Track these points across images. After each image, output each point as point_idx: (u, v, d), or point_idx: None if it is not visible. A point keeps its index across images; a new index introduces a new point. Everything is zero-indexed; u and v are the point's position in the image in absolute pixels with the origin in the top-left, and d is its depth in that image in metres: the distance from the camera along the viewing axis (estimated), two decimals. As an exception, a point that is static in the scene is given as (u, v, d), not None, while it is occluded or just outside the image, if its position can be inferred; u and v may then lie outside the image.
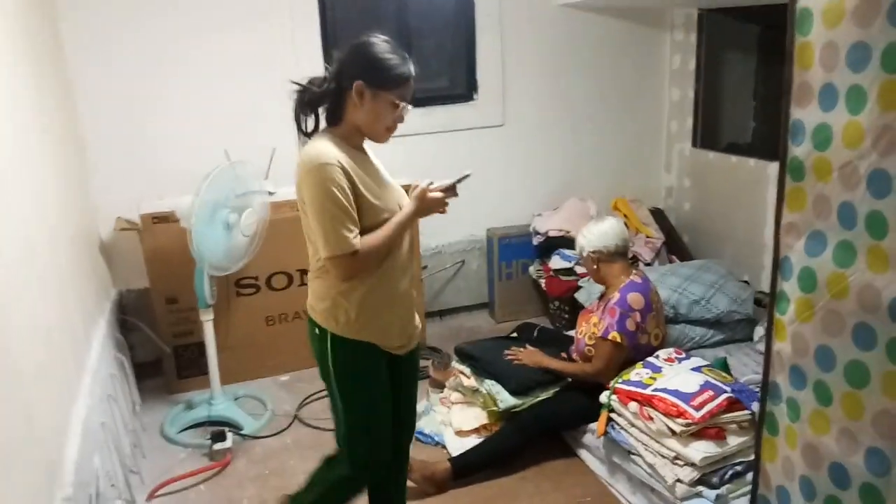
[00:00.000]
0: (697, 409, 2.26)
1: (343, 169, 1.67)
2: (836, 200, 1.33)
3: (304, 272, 3.35)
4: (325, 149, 1.69)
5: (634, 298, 2.64)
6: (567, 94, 4.06)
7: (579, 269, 3.64)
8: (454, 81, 3.96)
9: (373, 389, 1.86)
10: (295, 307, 3.39)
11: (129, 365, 2.98)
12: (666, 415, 2.26)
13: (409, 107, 1.76)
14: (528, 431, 2.63)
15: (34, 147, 2.13)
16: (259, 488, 2.57)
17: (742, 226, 3.78)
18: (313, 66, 3.49)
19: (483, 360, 2.85)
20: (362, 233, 1.72)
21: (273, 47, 3.43)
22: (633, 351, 2.65)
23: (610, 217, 2.93)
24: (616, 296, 2.68)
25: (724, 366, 2.72)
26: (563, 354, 2.91)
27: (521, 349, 2.87)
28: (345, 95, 1.73)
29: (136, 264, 3.18)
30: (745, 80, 3.90)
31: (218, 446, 2.72)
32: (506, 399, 2.67)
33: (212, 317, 2.89)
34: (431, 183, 1.86)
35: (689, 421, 2.21)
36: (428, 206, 1.84)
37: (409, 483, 2.37)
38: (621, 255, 2.80)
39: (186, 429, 2.93)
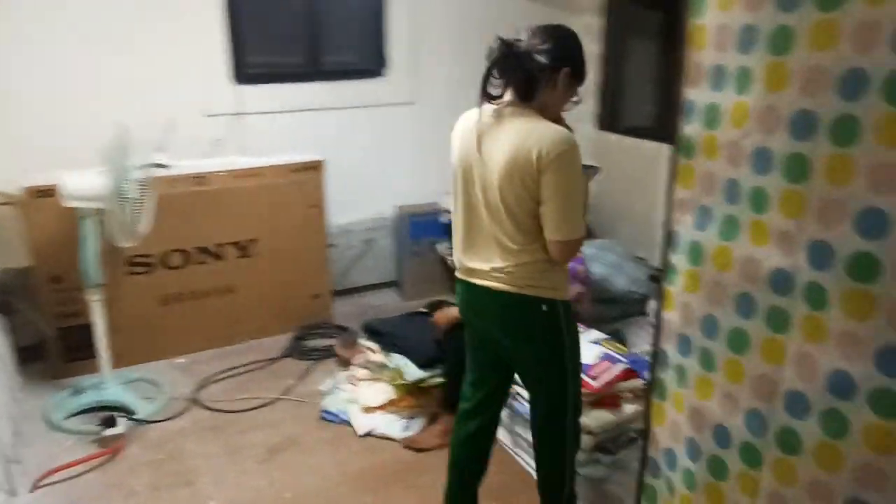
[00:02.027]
0: (595, 378, 2.35)
1: None
2: (723, 177, 1.39)
3: (202, 250, 3.22)
4: (565, 129, 1.71)
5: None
6: (478, 74, 4.04)
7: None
8: (363, 56, 3.86)
9: None
10: (192, 287, 3.24)
11: (8, 349, 2.76)
12: (566, 386, 2.34)
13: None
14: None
15: None
16: (153, 474, 2.46)
17: (639, 204, 3.94)
18: (212, 36, 3.34)
19: (391, 334, 2.86)
20: None
21: (166, 12, 3.23)
22: None
23: None
24: None
25: (619, 338, 2.85)
26: None
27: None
28: (543, 75, 1.74)
29: (17, 241, 2.94)
30: (647, 65, 4.03)
31: (109, 432, 2.58)
32: (412, 372, 2.68)
33: (100, 296, 2.72)
34: None
35: (589, 391, 2.29)
36: None
37: None
38: None
39: (74, 415, 2.76)
